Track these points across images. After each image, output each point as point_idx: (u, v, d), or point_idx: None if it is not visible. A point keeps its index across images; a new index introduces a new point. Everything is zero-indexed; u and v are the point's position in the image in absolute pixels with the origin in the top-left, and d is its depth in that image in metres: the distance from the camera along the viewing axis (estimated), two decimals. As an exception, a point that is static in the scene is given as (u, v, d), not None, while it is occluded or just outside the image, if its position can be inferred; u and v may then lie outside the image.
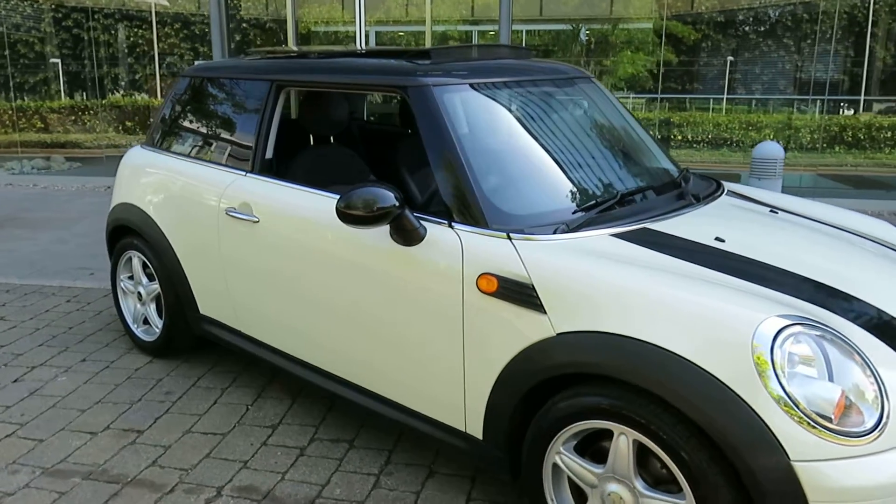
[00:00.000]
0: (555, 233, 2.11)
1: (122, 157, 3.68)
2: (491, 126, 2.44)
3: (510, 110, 2.54)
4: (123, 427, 2.86)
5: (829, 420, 1.63)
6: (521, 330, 1.99)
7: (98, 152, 12.09)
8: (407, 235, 2.22)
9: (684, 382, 1.70)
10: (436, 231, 2.21)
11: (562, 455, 1.99)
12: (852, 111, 11.71)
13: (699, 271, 1.94)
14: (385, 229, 2.27)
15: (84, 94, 13.68)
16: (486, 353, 2.09)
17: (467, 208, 2.18)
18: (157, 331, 3.44)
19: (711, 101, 12.27)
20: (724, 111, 12.07)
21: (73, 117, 13.08)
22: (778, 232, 2.39)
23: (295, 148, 3.05)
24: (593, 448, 1.99)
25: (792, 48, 12.03)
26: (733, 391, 1.66)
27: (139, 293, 3.50)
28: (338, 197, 2.50)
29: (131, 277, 3.57)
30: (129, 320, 3.61)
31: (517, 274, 2.00)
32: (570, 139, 2.60)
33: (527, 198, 2.29)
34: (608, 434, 1.93)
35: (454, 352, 2.17)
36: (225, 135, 3.08)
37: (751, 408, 1.64)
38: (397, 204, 2.14)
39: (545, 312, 1.94)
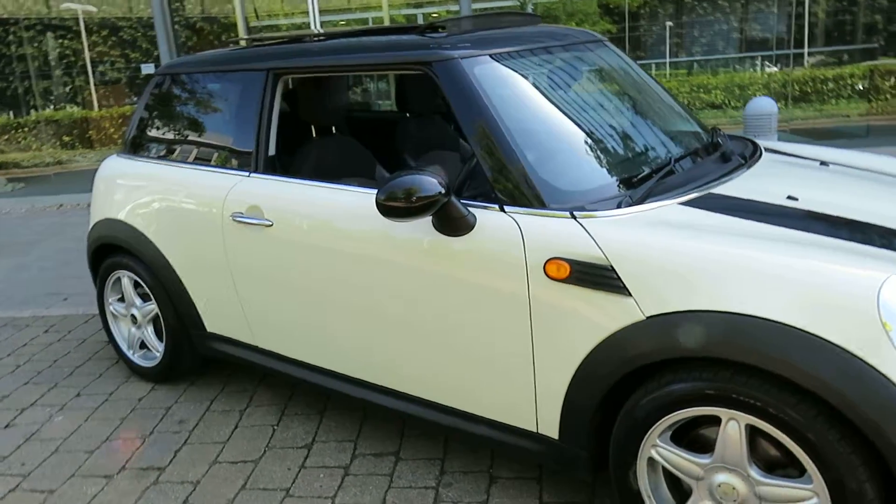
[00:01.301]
0: (619, 207, 1.93)
1: (95, 170, 3.35)
2: (527, 98, 2.23)
3: (541, 80, 2.33)
4: (141, 466, 2.59)
5: (969, 382, 1.50)
6: (603, 317, 1.81)
7: (39, 171, 11.47)
8: (455, 224, 2.01)
9: (806, 357, 1.54)
10: (486, 217, 2.00)
11: (658, 448, 1.82)
12: (796, 65, 11.82)
13: (792, 234, 1.79)
14: (426, 220, 2.06)
15: (13, 111, 12.95)
16: (560, 347, 1.90)
17: (519, 188, 1.98)
18: (158, 355, 3.16)
19: (653, 66, 12.22)
20: (668, 76, 12.06)
21: (5, 136, 12.38)
22: (843, 185, 2.25)
23: (297, 142, 2.80)
24: (690, 437, 1.83)
25: (727, 9, 12.07)
26: (863, 360, 1.51)
27: (133, 316, 3.20)
28: (362, 190, 2.30)
29: (122, 300, 3.27)
30: (124, 346, 3.31)
31: (592, 255, 1.81)
32: (604, 106, 2.42)
33: (579, 172, 2.10)
34: (707, 421, 1.77)
35: (521, 349, 1.97)
36: (217, 134, 2.80)
37: (885, 376, 1.49)
38: (443, 191, 1.93)
39: (630, 295, 1.76)
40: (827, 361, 1.53)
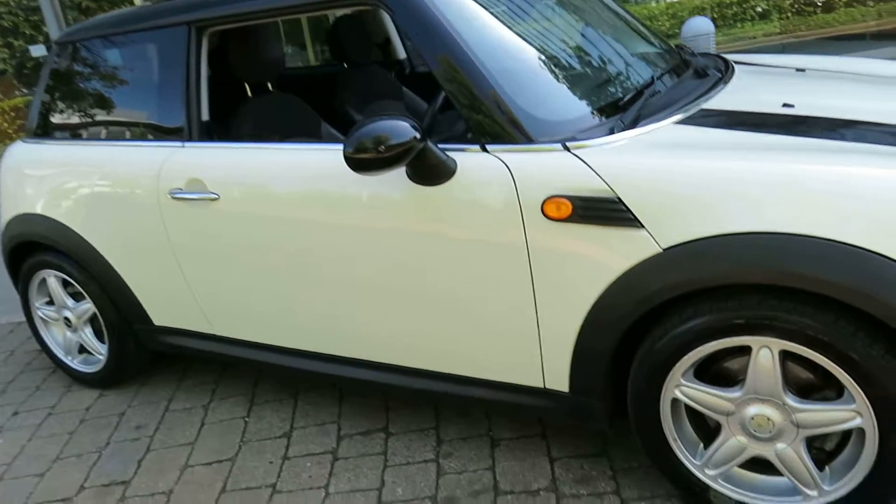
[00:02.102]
0: (611, 133, 1.75)
1: (-3, 160, 2.95)
2: (494, 23, 2.00)
3: (505, 3, 2.12)
4: (102, 482, 2.32)
5: None
6: (613, 255, 1.64)
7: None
8: (433, 172, 1.79)
9: (844, 270, 1.42)
10: (467, 161, 1.80)
11: (682, 387, 1.69)
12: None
13: (805, 142, 1.66)
14: (399, 172, 1.85)
15: None
16: (566, 295, 1.74)
17: (499, 124, 1.77)
18: (101, 358, 2.84)
19: None
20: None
21: None
22: (830, 88, 2.14)
23: (232, 103, 2.51)
24: (712, 373, 1.71)
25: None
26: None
27: (66, 318, 2.87)
28: (322, 147, 2.06)
29: (50, 302, 2.92)
30: (60, 353, 2.97)
31: (595, 188, 1.63)
32: (575, 28, 2.23)
33: (560, 100, 1.90)
34: (730, 353, 1.65)
35: (522, 302, 1.80)
36: (138, 104, 2.47)
37: (922, 278, 1.39)
38: (418, 135, 1.71)
39: (642, 227, 1.60)
40: (867, 272, 1.41)
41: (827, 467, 1.65)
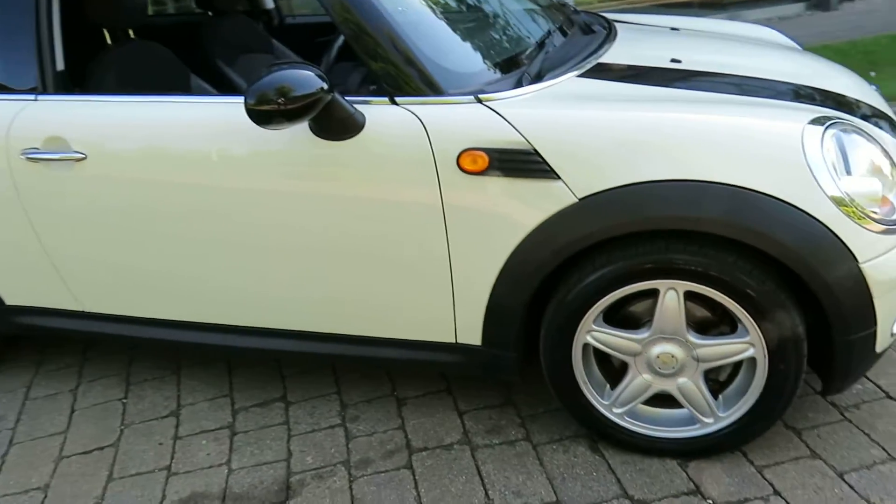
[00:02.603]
0: (519, 86, 1.76)
1: None
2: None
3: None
4: (-42, 484, 2.04)
5: (877, 214, 1.60)
6: (529, 207, 1.66)
7: None
8: (340, 126, 1.71)
9: (743, 212, 1.54)
10: (375, 114, 1.73)
11: (594, 332, 1.76)
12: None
13: (700, 95, 1.76)
14: (302, 127, 1.74)
15: None
16: (481, 249, 1.74)
17: (407, 76, 1.71)
18: (-63, 346, 2.48)
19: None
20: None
21: None
22: (707, 46, 2.28)
23: (90, 51, 2.23)
24: (618, 317, 1.79)
25: None
26: (796, 207, 1.54)
27: None
28: (210, 101, 1.91)
29: None
30: None
31: (511, 140, 1.64)
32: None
33: (465, 53, 1.88)
34: (635, 297, 1.74)
35: (436, 259, 1.78)
36: (-28, 51, 2.13)
37: (817, 219, 1.54)
38: (325, 86, 1.62)
39: (558, 177, 1.63)
40: (764, 213, 1.54)
41: (720, 396, 1.81)
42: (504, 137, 1.64)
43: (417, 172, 1.71)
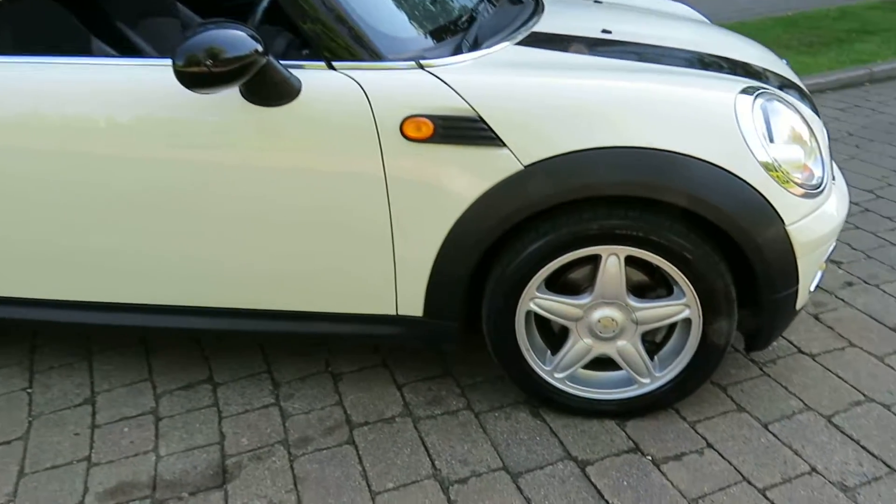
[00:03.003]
0: (458, 53, 1.74)
1: None
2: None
3: None
4: None
5: (799, 179, 1.69)
6: (474, 176, 1.65)
7: None
8: (274, 91, 1.63)
9: (686, 178, 1.59)
10: (312, 79, 1.66)
11: (537, 299, 1.78)
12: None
13: (636, 65, 1.79)
14: (233, 92, 1.65)
15: None
16: (424, 219, 1.71)
17: (346, 40, 1.65)
18: None
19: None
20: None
21: None
22: (632, 18, 2.32)
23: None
24: (558, 284, 1.82)
25: None
26: (731, 172, 1.60)
27: None
28: (132, 62, 1.77)
29: None
30: None
31: (455, 107, 1.61)
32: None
33: (403, 18, 1.83)
34: (575, 263, 1.77)
35: (378, 230, 1.73)
36: None
37: (749, 184, 1.61)
38: (260, 48, 1.53)
39: (504, 145, 1.62)
40: (702, 179, 1.59)
41: (656, 357, 1.87)
42: (449, 104, 1.61)
43: (358, 140, 1.65)
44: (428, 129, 1.62)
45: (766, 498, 1.65)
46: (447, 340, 1.89)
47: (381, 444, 1.87)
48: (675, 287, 1.75)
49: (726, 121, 1.61)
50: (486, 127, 1.61)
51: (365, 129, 1.64)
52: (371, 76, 1.64)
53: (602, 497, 1.67)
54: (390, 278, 1.81)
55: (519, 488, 1.71)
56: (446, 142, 1.63)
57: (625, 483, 1.71)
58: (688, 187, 1.59)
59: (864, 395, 1.95)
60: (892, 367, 2.06)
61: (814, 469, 1.72)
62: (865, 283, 2.48)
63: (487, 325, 1.83)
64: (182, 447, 1.90)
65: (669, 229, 1.64)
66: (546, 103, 1.61)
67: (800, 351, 2.14)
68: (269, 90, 1.63)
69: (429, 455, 1.83)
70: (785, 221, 1.65)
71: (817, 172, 1.74)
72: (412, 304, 1.85)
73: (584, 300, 1.77)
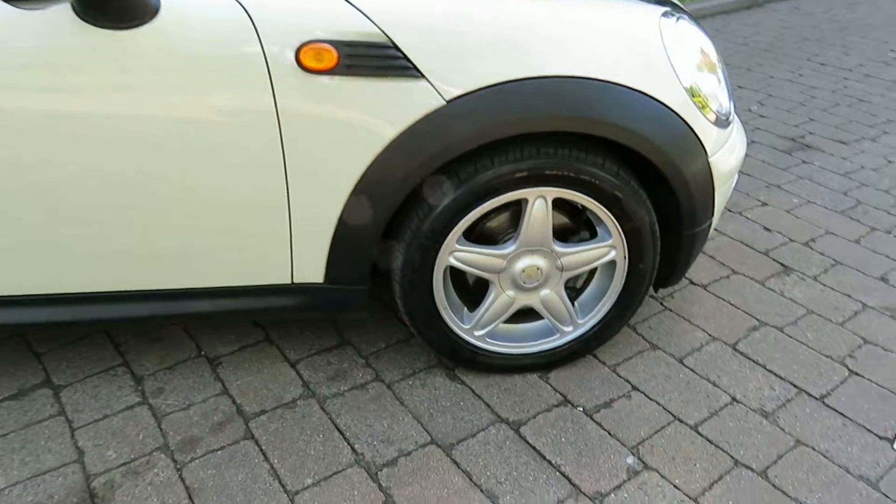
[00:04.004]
0: (350, -33, 1.45)
1: None
2: None
3: None
4: None
5: (714, 106, 1.63)
6: (389, 112, 1.39)
7: None
8: (125, 7, 1.25)
9: (621, 111, 1.46)
10: (172, -6, 1.30)
11: (457, 252, 1.59)
12: None
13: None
14: (63, 8, 1.25)
15: None
16: (327, 165, 1.43)
17: (213, -54, 1.31)
18: None
19: None
20: None
21: None
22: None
23: None
24: (474, 235, 1.64)
25: None
26: (661, 101, 1.50)
27: None
28: None
29: None
30: None
31: (364, 32, 1.34)
32: None
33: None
34: (490, 212, 1.60)
35: (268, 183, 1.42)
36: None
37: (677, 114, 1.52)
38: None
39: (422, 76, 1.38)
40: (636, 111, 1.48)
41: (576, 303, 1.78)
42: (356, 28, 1.34)
43: (241, 73, 1.32)
44: (331, 58, 1.34)
45: (700, 434, 1.63)
46: (353, 307, 1.65)
47: (287, 435, 1.60)
48: (598, 229, 1.65)
49: (653, 46, 1.50)
50: (400, 55, 1.36)
51: (251, 58, 1.31)
52: (254, -8, 1.32)
53: (544, 458, 1.56)
54: (284, 242, 1.52)
55: (455, 462, 1.55)
56: (353, 73, 1.36)
57: (563, 439, 1.61)
58: (622, 120, 1.46)
59: (757, 320, 2.02)
60: (774, 290, 2.15)
61: (734, 399, 1.74)
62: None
63: (402, 284, 1.61)
64: (27, 473, 1.50)
65: (601, 167, 1.52)
66: (467, 29, 1.38)
67: (692, 282, 2.17)
68: (118, 6, 1.25)
69: (346, 439, 1.59)
70: (708, 153, 1.60)
71: (725, 101, 1.70)
72: (311, 269, 1.58)
73: (508, 249, 1.61)
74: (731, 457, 1.58)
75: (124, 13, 1.26)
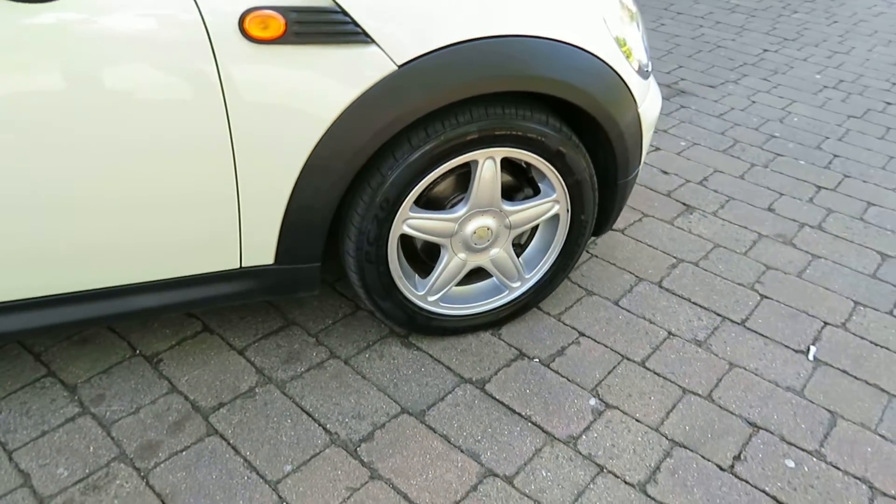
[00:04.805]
0: (280, -72, 1.37)
1: None
2: None
3: None
4: None
5: (636, 57, 1.70)
6: (341, 80, 1.34)
7: None
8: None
9: (566, 68, 1.49)
10: (93, -39, 1.16)
11: (410, 220, 1.57)
12: None
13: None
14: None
15: None
16: (277, 140, 1.36)
17: None
18: None
19: None
20: None
21: None
22: None
23: None
24: (422, 200, 1.63)
25: None
26: (597, 56, 1.54)
27: None
28: None
29: None
30: None
31: (310, -3, 1.27)
32: None
33: None
34: (440, 177, 1.60)
35: (213, 160, 1.33)
36: None
37: (612, 68, 1.58)
38: None
39: (373, 41, 1.33)
40: (579, 68, 1.51)
41: (521, 259, 1.82)
42: (301, -8, 1.27)
43: (181, 44, 1.22)
44: (278, 25, 1.26)
45: (648, 369, 1.74)
46: (307, 287, 1.60)
47: (254, 424, 1.54)
48: (542, 185, 1.69)
49: (592, 8, 1.54)
50: (349, 20, 1.31)
51: (190, 29, 1.21)
52: (185, -44, 1.21)
53: (514, 411, 1.61)
54: (233, 224, 1.44)
55: (430, 427, 1.56)
56: (301, 41, 1.29)
57: (527, 391, 1.66)
58: (566, 76, 1.50)
59: (674, 257, 2.16)
60: (682, 229, 2.31)
61: (670, 333, 1.87)
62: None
63: (357, 257, 1.58)
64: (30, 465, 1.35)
65: (546, 124, 1.55)
66: (409, -11, 1.35)
67: (612, 229, 2.28)
68: (36, -23, 1.10)
69: (315, 420, 1.56)
70: (638, 104, 1.67)
71: (644, 52, 1.78)
72: (260, 251, 1.51)
73: (460, 212, 1.62)
74: (679, 386, 1.70)
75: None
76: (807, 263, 2.17)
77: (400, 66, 1.36)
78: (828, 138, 2.99)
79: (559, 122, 1.58)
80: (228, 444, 1.50)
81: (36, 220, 1.28)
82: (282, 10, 1.26)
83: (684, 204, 2.45)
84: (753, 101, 3.32)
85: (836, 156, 2.85)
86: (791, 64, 3.84)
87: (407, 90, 1.38)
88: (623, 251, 2.18)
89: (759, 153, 2.84)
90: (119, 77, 1.21)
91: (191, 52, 1.23)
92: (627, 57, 1.64)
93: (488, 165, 1.57)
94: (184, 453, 1.47)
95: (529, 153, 1.58)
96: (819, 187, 2.60)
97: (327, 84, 1.34)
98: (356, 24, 1.31)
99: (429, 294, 1.72)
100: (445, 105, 1.45)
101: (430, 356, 1.75)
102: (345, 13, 1.30)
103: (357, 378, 1.68)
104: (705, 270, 2.11)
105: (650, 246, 2.21)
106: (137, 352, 1.71)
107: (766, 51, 4.02)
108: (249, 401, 1.60)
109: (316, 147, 1.39)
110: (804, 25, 4.53)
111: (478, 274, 1.79)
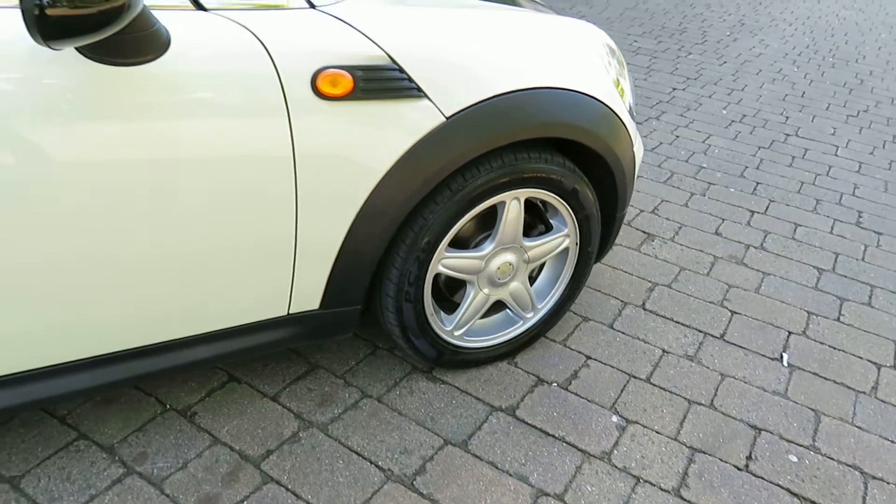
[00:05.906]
0: (328, -9, 1.45)
1: None
2: None
3: None
4: None
5: (629, 101, 1.90)
6: (395, 132, 1.43)
7: None
8: (140, 44, 1.14)
9: (585, 116, 1.66)
10: (176, 25, 1.20)
11: (445, 260, 1.67)
12: None
13: (505, 7, 1.74)
14: (66, 54, 1.11)
15: None
16: (338, 190, 1.42)
17: (208, -28, 1.24)
18: None
19: None
20: None
21: None
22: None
23: None
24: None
25: None
26: (605, 103, 1.71)
27: None
28: None
29: None
30: None
31: (372, 56, 1.36)
32: None
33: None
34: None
35: (278, 213, 1.38)
36: None
37: (615, 112, 1.75)
38: (134, -13, 1.06)
39: (424, 95, 1.43)
40: (592, 115, 1.68)
41: (532, 290, 1.95)
42: (364, 52, 1.35)
43: (258, 101, 1.27)
44: (347, 83, 1.34)
45: (654, 384, 1.91)
46: (346, 329, 1.65)
47: (308, 468, 1.56)
48: (554, 221, 1.83)
49: (594, 53, 1.72)
50: (404, 76, 1.40)
51: (266, 87, 1.27)
52: (259, 18, 1.27)
53: (548, 434, 1.72)
54: (287, 273, 1.48)
55: (476, 455, 1.64)
56: (366, 97, 1.37)
57: (555, 414, 1.78)
58: (587, 123, 1.66)
59: (649, 281, 2.36)
60: (649, 255, 2.52)
61: (664, 350, 2.04)
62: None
63: (397, 298, 1.65)
64: (28, 582, 1.30)
65: (563, 165, 1.70)
66: (458, 46, 1.47)
67: (588, 258, 2.46)
68: (133, 43, 1.13)
69: (366, 459, 1.60)
70: (633, 144, 1.86)
71: (631, 96, 1.98)
72: (308, 297, 1.55)
73: (487, 250, 1.73)
74: (684, 398, 1.87)
75: (147, 50, 1.14)
76: (760, 280, 2.43)
77: (448, 118, 1.47)
78: (747, 167, 3.34)
79: (574, 164, 1.73)
80: (287, 489, 1.51)
81: (105, 278, 1.28)
82: (349, 68, 1.34)
83: (644, 232, 2.68)
84: (677, 136, 3.65)
85: (758, 183, 3.19)
86: (699, 101, 4.24)
87: (454, 140, 1.49)
88: (604, 278, 2.35)
89: (694, 183, 3.13)
90: (197, 136, 1.24)
91: (267, 109, 1.28)
92: (621, 96, 1.82)
93: (514, 206, 1.69)
94: (245, 503, 1.47)
95: (549, 193, 1.72)
96: (752, 212, 2.91)
97: (385, 136, 1.42)
98: (411, 80, 1.41)
99: (455, 329, 1.80)
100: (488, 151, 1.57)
101: (458, 388, 1.83)
102: (401, 70, 1.40)
103: (394, 415, 1.73)
104: (678, 291, 2.32)
105: (626, 272, 2.40)
106: (168, 406, 1.69)
107: (675, 89, 4.42)
108: (297, 445, 1.62)
109: (370, 195, 1.46)
110: (701, 66, 5.00)
111: (491, 308, 1.90)
